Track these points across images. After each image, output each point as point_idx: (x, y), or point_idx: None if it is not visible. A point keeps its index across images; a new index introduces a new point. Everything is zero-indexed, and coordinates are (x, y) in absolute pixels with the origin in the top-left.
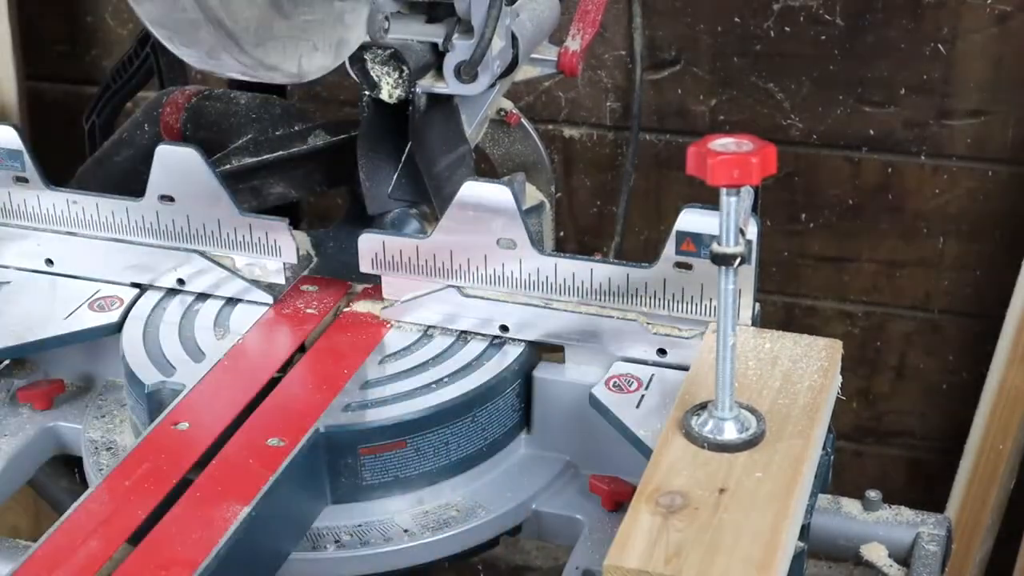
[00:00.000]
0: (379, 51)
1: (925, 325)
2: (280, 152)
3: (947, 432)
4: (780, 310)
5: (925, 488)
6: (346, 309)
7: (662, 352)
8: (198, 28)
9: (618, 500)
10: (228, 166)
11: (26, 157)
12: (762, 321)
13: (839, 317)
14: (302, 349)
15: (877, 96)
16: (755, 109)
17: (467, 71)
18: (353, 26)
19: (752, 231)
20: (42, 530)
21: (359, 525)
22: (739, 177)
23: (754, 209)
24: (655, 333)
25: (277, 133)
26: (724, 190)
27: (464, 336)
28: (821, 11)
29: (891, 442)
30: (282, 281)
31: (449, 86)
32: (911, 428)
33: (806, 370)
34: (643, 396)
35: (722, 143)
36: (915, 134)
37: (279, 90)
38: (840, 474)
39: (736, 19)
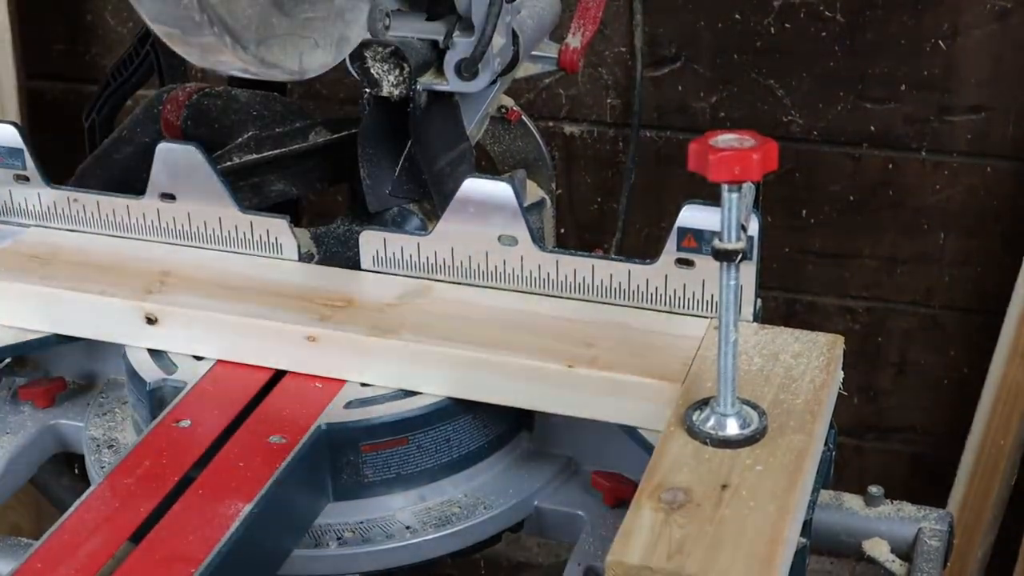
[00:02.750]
0: (380, 49)
1: (926, 321)
2: (281, 149)
3: (948, 427)
4: (781, 306)
5: (927, 483)
6: None
7: None
8: (199, 26)
9: (620, 497)
10: (229, 163)
11: (26, 155)
12: (763, 317)
13: (840, 313)
14: None
15: (878, 92)
16: (756, 106)
17: (468, 68)
18: (354, 23)
19: (753, 227)
20: (43, 529)
21: (361, 522)
22: (740, 173)
23: (755, 205)
24: None
25: (278, 130)
26: (726, 186)
27: None
28: (822, 7)
29: (892, 438)
30: None
31: (450, 83)
32: (912, 423)
33: (808, 366)
34: None
35: (724, 139)
36: (916, 130)
37: (279, 87)
38: (842, 470)
39: (736, 15)
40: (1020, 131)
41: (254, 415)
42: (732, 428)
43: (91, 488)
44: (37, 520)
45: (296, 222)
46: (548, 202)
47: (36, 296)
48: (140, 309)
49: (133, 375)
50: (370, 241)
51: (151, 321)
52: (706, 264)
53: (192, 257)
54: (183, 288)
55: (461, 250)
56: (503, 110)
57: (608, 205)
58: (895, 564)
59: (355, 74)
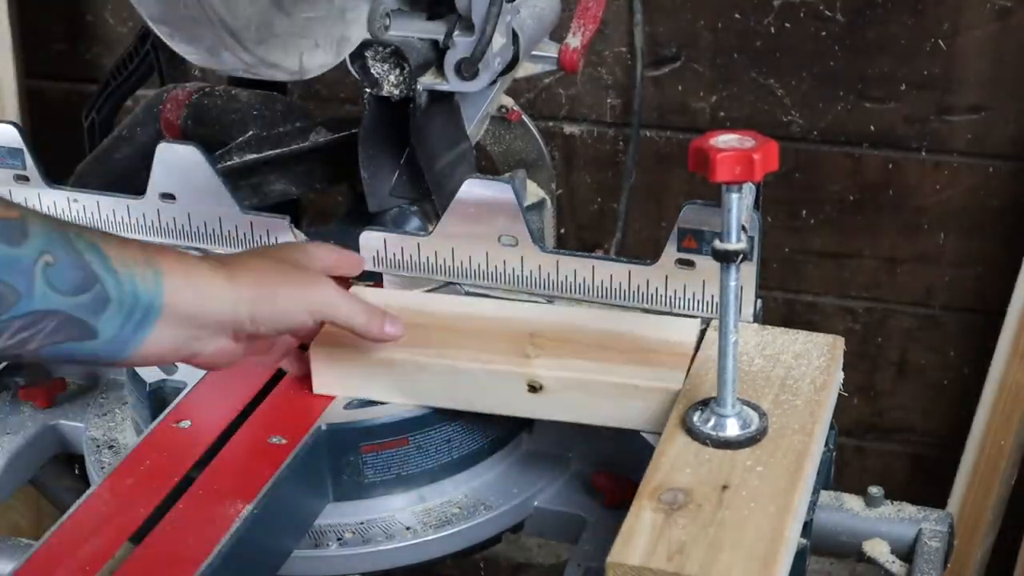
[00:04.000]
0: (380, 49)
1: (926, 321)
2: (281, 149)
3: (948, 428)
4: (781, 306)
5: (927, 484)
6: None
7: None
8: (199, 25)
9: (620, 497)
10: (229, 163)
11: (26, 155)
12: (763, 317)
13: (840, 313)
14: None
15: (878, 92)
16: (756, 105)
17: (468, 68)
18: (354, 23)
19: (754, 228)
20: (43, 529)
21: (361, 523)
22: (741, 174)
23: (756, 205)
24: None
25: (278, 130)
26: (726, 187)
27: None
28: (821, 7)
29: (893, 438)
30: None
31: (450, 83)
32: (912, 424)
33: (808, 366)
34: None
35: (724, 139)
36: (916, 130)
37: (279, 87)
38: (842, 470)
39: (736, 15)
40: (1020, 131)
41: (254, 415)
42: (732, 429)
43: (91, 488)
44: (37, 520)
45: (296, 222)
46: (548, 202)
47: None
48: None
49: (133, 376)
50: (370, 241)
51: None
52: (706, 265)
53: None
54: None
55: (461, 251)
56: (503, 110)
57: (608, 205)
58: (895, 565)
59: (355, 74)
